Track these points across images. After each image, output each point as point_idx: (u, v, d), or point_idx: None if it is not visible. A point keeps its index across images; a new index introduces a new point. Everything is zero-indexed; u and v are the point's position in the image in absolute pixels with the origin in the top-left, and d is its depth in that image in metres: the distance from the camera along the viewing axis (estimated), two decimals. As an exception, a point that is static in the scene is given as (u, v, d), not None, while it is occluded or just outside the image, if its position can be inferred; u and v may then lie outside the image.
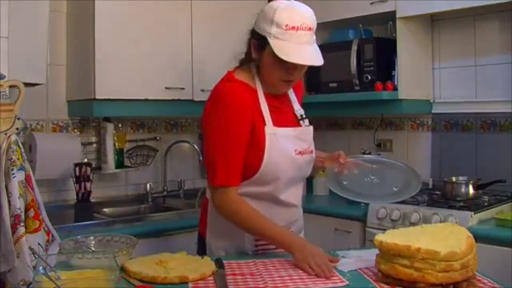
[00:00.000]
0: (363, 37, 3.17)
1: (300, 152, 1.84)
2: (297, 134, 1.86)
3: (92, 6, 2.78)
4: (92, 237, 1.71)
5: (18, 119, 1.98)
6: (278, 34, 1.68)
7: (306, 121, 1.93)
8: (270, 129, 1.78)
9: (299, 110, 1.94)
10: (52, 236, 1.99)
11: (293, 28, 1.67)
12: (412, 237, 1.45)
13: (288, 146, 1.81)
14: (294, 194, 1.91)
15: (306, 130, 1.92)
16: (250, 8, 2.32)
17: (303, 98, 2.08)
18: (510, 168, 2.80)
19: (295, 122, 1.91)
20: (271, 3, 1.75)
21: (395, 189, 2.00)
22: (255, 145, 1.75)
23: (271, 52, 1.69)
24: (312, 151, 1.91)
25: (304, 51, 1.69)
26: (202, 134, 1.85)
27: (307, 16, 1.72)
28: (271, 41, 1.69)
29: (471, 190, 2.69)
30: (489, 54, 2.97)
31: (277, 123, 1.80)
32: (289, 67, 1.72)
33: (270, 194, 1.82)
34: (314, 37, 1.74)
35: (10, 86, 2.03)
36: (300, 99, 2.01)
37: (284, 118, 1.86)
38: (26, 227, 1.87)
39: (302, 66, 1.74)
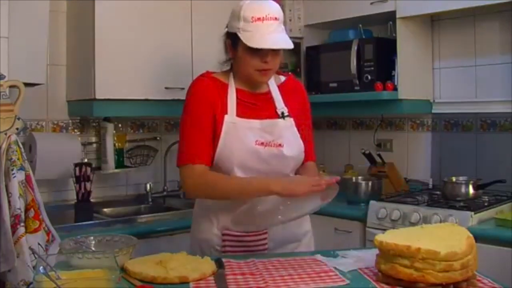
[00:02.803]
0: (363, 37, 3.17)
1: (262, 143, 1.84)
2: (263, 126, 1.87)
3: (92, 6, 2.77)
4: (92, 237, 1.71)
5: (18, 119, 1.98)
6: (246, 27, 1.78)
7: (288, 119, 1.92)
8: (230, 118, 1.84)
9: (281, 109, 1.93)
10: (52, 236, 1.99)
11: (258, 19, 1.77)
12: (412, 237, 1.44)
13: (248, 136, 1.84)
14: None
15: (277, 122, 1.89)
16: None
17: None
18: (510, 168, 2.80)
19: (271, 116, 1.90)
20: (238, 2, 1.84)
21: (279, 217, 1.79)
22: (215, 133, 1.83)
23: (243, 45, 1.79)
24: (280, 145, 1.86)
25: (272, 38, 1.78)
26: None
27: (272, 7, 1.81)
28: (240, 35, 1.78)
29: (471, 190, 2.68)
30: (489, 54, 2.97)
31: (242, 114, 1.86)
32: (262, 56, 1.80)
33: None
34: (283, 27, 1.82)
35: (10, 86, 2.03)
36: (297, 105, 1.98)
37: (255, 113, 1.88)
38: (26, 227, 1.87)
39: (274, 53, 1.81)
